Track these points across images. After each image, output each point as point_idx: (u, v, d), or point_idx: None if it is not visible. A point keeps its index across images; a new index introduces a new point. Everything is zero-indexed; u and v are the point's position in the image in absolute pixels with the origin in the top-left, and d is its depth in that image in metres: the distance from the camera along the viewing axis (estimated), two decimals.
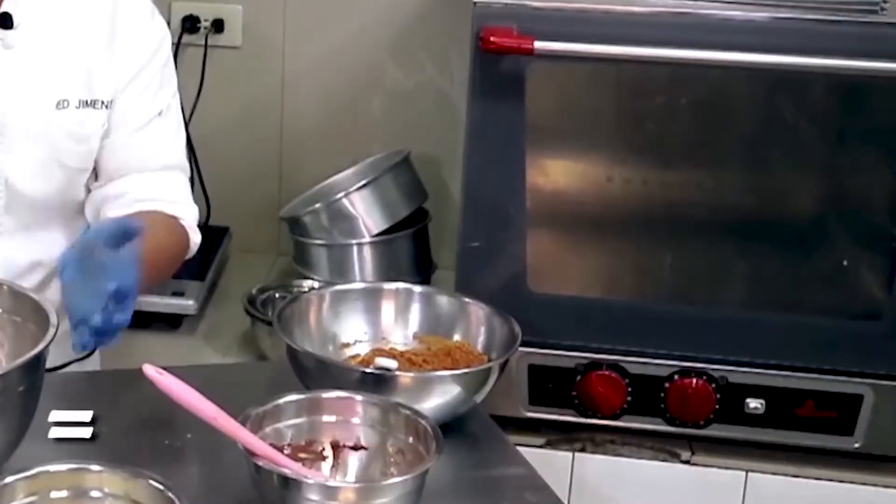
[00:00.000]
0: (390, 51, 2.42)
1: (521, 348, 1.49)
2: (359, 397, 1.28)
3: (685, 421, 1.79)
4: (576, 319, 1.82)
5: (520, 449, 1.53)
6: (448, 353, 1.55)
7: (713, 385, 1.76)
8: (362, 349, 1.58)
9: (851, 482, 1.76)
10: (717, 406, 1.76)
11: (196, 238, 1.71)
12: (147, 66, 1.68)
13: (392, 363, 1.50)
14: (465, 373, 1.45)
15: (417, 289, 1.65)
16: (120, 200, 1.63)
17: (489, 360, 1.50)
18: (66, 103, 1.60)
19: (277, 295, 2.14)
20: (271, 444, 1.20)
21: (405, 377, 1.43)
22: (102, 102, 1.62)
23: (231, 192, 2.47)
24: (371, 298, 1.63)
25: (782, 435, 1.77)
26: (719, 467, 1.81)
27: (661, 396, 1.78)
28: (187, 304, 2.13)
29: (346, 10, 2.41)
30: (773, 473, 1.79)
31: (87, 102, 1.62)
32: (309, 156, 2.49)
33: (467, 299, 1.60)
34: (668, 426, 1.80)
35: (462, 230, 1.83)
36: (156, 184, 1.67)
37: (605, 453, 1.85)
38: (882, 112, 1.76)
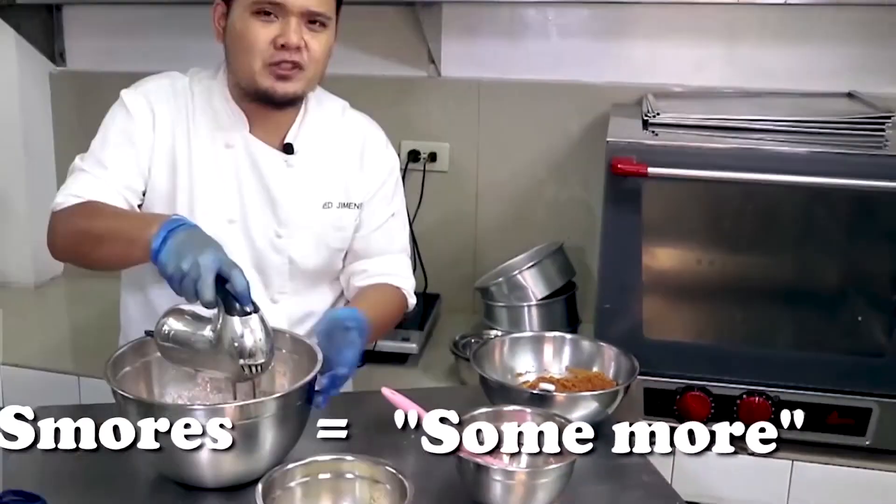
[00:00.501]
0: (550, 173, 2.83)
1: (638, 377, 1.85)
2: (528, 410, 1.61)
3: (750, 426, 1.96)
4: (676, 357, 2.13)
5: None
6: (589, 380, 1.91)
7: (769, 401, 2.06)
8: (530, 377, 1.96)
9: (864, 468, 2.04)
10: (772, 416, 2.05)
11: (412, 301, 2.06)
12: (385, 182, 2.01)
13: (551, 387, 1.86)
14: (601, 394, 1.79)
15: (568, 336, 2.03)
16: (363, 275, 1.98)
17: (617, 385, 1.84)
18: (330, 205, 1.94)
19: (473, 340, 2.50)
20: None
21: (560, 396, 1.78)
22: (355, 205, 1.96)
23: (442, 271, 2.90)
24: (537, 343, 2.01)
25: (817, 436, 2.05)
26: (774, 458, 2.05)
27: (734, 409, 2.07)
28: (411, 346, 2.54)
29: (520, 146, 2.84)
30: (811, 462, 2.06)
31: (344, 204, 1.95)
32: (494, 245, 2.90)
33: (602, 343, 1.95)
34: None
35: (598, 296, 2.14)
36: (388, 264, 2.01)
37: None
38: (884, 215, 2.05)
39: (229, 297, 1.56)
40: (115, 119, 1.87)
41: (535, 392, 1.81)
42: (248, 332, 1.55)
